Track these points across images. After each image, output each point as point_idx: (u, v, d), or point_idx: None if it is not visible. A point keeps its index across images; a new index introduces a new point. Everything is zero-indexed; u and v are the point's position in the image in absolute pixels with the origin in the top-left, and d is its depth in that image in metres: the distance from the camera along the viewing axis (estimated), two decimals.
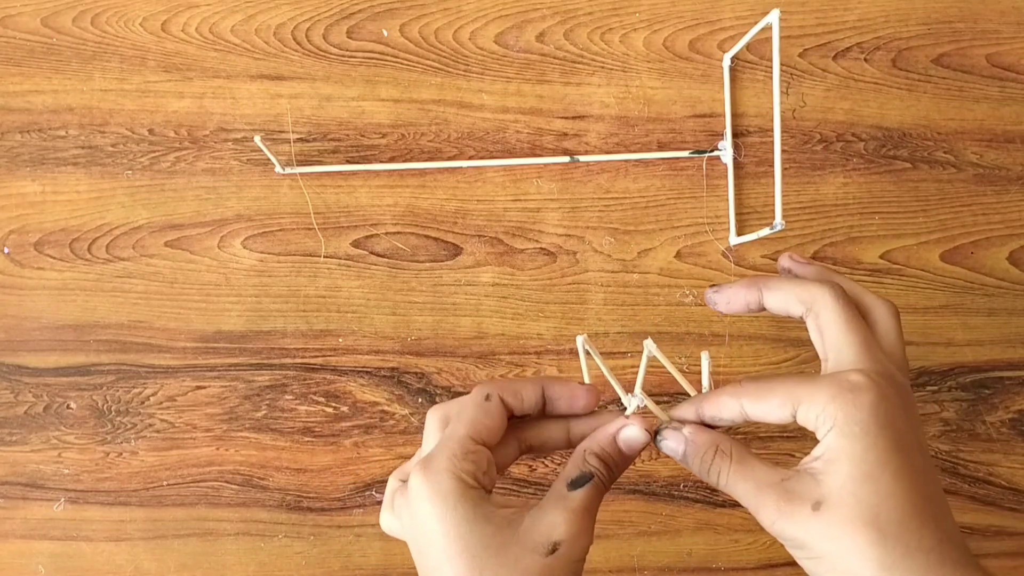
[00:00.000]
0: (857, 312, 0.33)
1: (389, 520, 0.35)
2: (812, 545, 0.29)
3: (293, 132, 0.53)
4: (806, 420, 0.30)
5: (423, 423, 0.52)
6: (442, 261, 0.53)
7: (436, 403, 0.52)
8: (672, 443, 0.34)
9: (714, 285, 0.37)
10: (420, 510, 0.31)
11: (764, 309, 0.36)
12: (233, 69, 0.53)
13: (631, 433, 0.34)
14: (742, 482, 0.32)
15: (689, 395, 0.35)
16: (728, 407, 0.32)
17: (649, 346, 0.34)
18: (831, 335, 0.33)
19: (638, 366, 0.52)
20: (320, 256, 0.53)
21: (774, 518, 0.30)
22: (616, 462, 0.34)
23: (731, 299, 0.36)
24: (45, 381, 0.53)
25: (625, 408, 0.35)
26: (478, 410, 0.33)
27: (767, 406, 0.31)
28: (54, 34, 0.53)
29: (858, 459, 0.29)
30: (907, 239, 0.53)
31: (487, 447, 0.33)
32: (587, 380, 0.37)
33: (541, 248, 0.53)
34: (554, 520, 0.32)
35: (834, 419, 0.29)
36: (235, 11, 0.53)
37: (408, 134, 0.53)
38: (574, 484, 0.33)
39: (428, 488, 0.31)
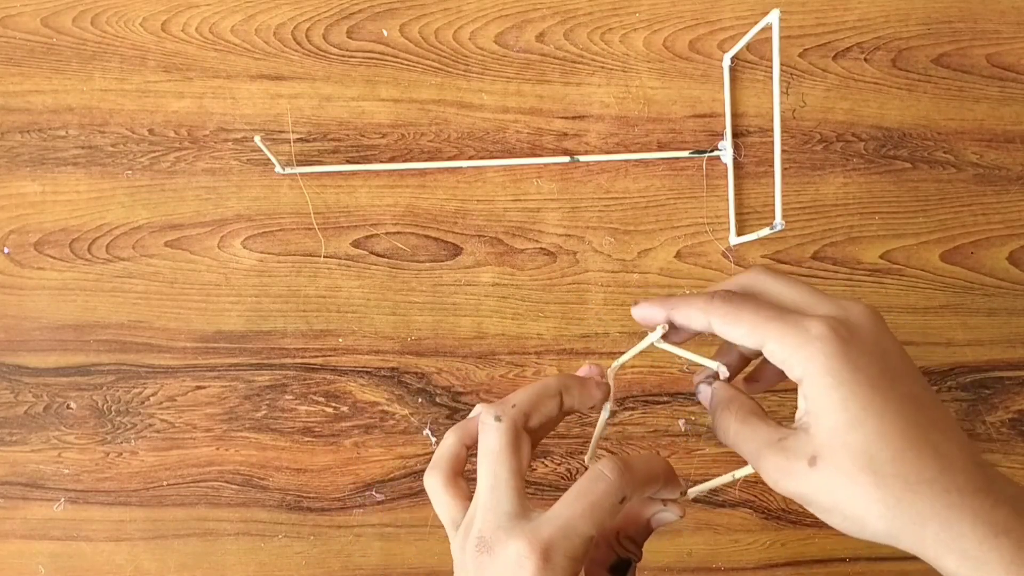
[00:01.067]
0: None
1: (441, 492, 0.33)
2: (816, 499, 0.29)
3: (293, 132, 0.53)
4: (772, 359, 0.31)
5: (423, 423, 0.53)
6: (442, 261, 0.53)
7: (436, 403, 0.53)
8: (703, 396, 0.35)
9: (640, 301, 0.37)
10: None
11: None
12: (233, 69, 0.53)
13: (666, 517, 0.35)
14: (744, 442, 0.32)
15: (710, 369, 0.35)
16: (696, 319, 0.33)
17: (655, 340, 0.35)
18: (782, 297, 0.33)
19: (638, 367, 0.52)
20: (320, 256, 0.53)
21: (776, 478, 0.30)
22: (646, 538, 0.34)
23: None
24: (45, 381, 0.53)
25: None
26: (614, 506, 0.31)
27: (734, 331, 0.31)
28: (54, 34, 0.53)
29: (839, 408, 0.29)
30: (907, 239, 0.54)
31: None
32: (612, 406, 0.36)
33: (541, 248, 0.53)
34: None
35: (804, 370, 0.29)
36: (235, 11, 0.53)
37: (408, 134, 0.53)
38: (616, 571, 0.33)
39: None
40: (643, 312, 0.35)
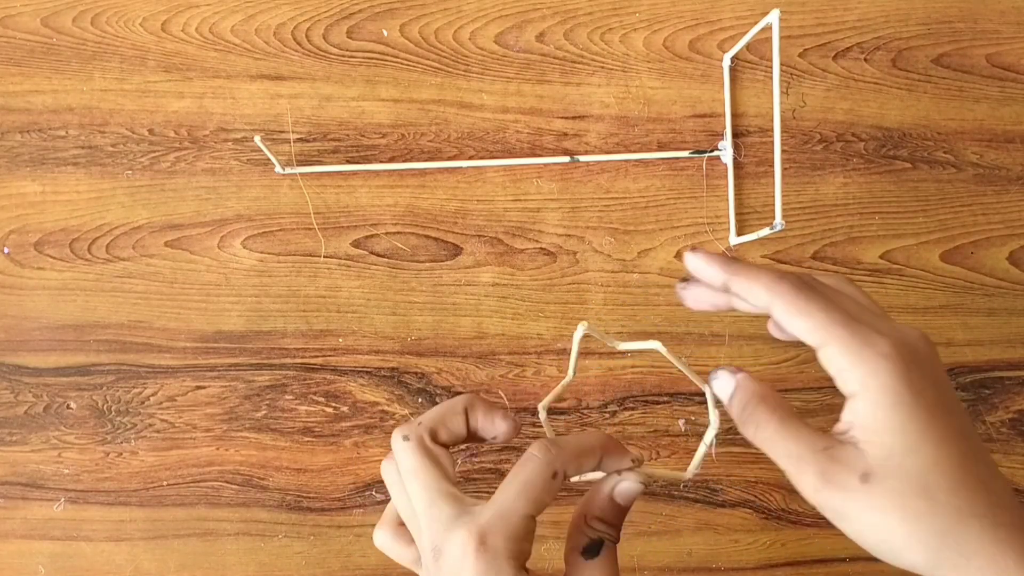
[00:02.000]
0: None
1: (392, 545, 0.35)
2: (859, 517, 0.28)
3: (293, 132, 0.53)
4: (828, 364, 0.30)
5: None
6: (442, 261, 0.53)
7: (436, 403, 0.53)
8: (722, 383, 0.33)
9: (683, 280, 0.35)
10: None
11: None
12: (233, 69, 0.53)
13: (626, 487, 0.34)
14: (783, 442, 0.31)
15: (700, 389, 0.35)
16: (758, 296, 0.31)
17: (658, 347, 0.35)
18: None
19: (638, 366, 0.52)
20: (320, 256, 0.53)
21: (818, 487, 0.29)
22: (618, 516, 0.34)
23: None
24: (45, 381, 0.53)
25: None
26: (546, 482, 0.32)
27: (798, 323, 0.30)
28: (54, 34, 0.53)
29: (898, 430, 0.28)
30: (907, 239, 0.54)
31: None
32: (572, 373, 0.36)
33: (541, 248, 0.54)
34: None
35: (864, 385, 0.29)
36: (235, 11, 0.53)
37: (408, 134, 0.53)
38: (589, 552, 0.33)
39: (481, 569, 0.30)
40: (700, 265, 0.32)
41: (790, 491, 0.53)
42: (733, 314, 0.53)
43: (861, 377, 0.29)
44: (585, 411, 0.53)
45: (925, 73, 0.54)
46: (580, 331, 0.34)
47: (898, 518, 0.27)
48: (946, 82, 0.54)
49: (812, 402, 0.53)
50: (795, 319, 0.30)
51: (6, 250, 0.53)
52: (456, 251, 0.54)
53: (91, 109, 0.53)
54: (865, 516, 0.28)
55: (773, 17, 0.45)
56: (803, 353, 0.53)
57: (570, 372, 0.36)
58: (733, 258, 0.32)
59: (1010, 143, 0.54)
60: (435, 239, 0.53)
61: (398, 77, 0.53)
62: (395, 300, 0.53)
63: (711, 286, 0.33)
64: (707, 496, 0.53)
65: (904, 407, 0.28)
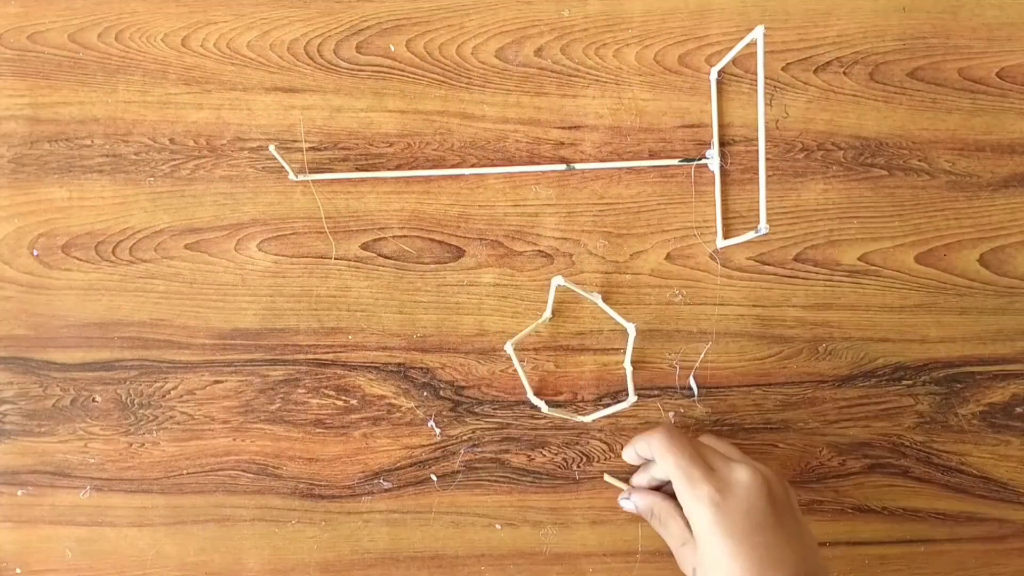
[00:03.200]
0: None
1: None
2: None
3: (305, 141, 0.56)
4: (679, 497, 0.46)
5: (427, 415, 0.55)
6: (446, 263, 0.56)
7: (440, 397, 0.55)
8: (627, 505, 0.53)
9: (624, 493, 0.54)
10: None
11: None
12: (249, 82, 0.56)
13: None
14: (666, 537, 0.49)
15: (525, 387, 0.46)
16: (644, 450, 0.49)
17: (557, 281, 0.49)
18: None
19: (633, 361, 0.55)
20: (331, 258, 0.56)
21: (680, 565, 0.48)
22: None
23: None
24: (72, 376, 0.56)
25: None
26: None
27: (662, 468, 0.47)
28: (80, 49, 0.56)
29: (707, 546, 0.43)
30: (884, 242, 0.56)
31: None
32: (549, 313, 0.51)
33: (539, 250, 0.56)
34: None
35: (689, 515, 0.44)
36: (251, 27, 0.56)
37: (414, 143, 0.56)
38: None
39: None
40: (626, 455, 0.52)
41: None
42: (719, 313, 0.56)
43: (689, 508, 0.44)
44: (580, 404, 0.56)
45: (901, 86, 0.56)
46: (556, 283, 0.49)
47: None
48: (920, 94, 0.57)
49: (794, 396, 0.56)
50: (660, 462, 0.47)
51: (35, 252, 0.56)
52: (459, 253, 0.56)
53: (115, 120, 0.56)
54: None
55: (758, 33, 0.47)
56: (786, 349, 0.56)
57: (547, 312, 0.49)
58: (636, 436, 0.50)
59: (980, 152, 0.57)
60: (439, 242, 0.56)
61: (404, 89, 0.56)
62: (401, 299, 0.56)
63: (635, 464, 0.53)
64: None
65: (711, 532, 0.43)
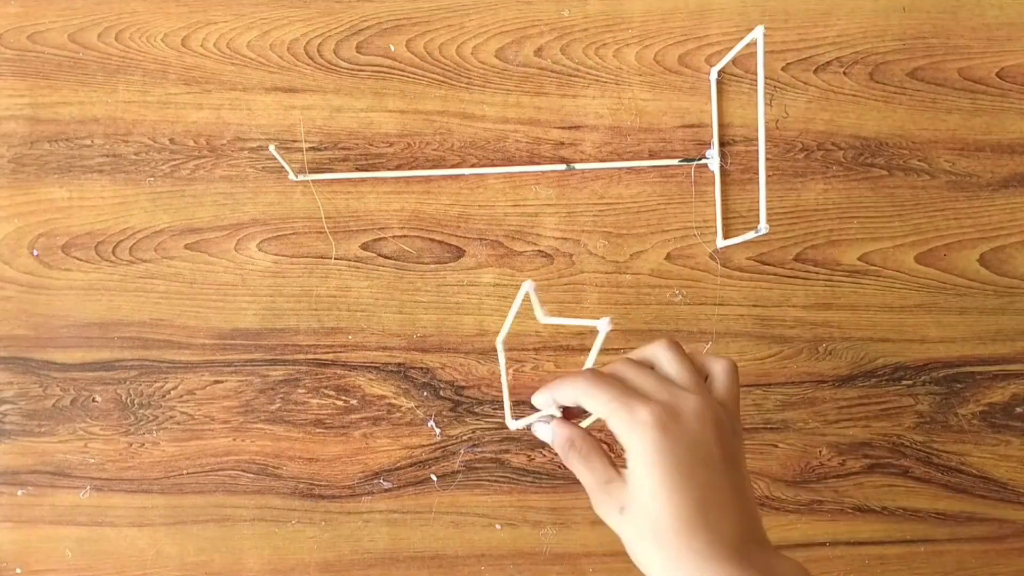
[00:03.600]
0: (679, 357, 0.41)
1: None
2: (622, 538, 0.38)
3: (305, 141, 0.56)
4: (612, 429, 0.39)
5: (427, 415, 0.56)
6: (446, 263, 0.56)
7: (440, 396, 0.56)
8: (543, 430, 0.44)
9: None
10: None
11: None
12: (249, 82, 0.56)
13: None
14: (583, 474, 0.41)
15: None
16: (568, 395, 0.40)
17: (527, 287, 0.41)
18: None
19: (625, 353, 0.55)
20: (331, 258, 0.56)
21: (597, 510, 0.39)
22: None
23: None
24: (72, 376, 0.56)
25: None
26: None
27: (590, 404, 0.39)
28: (81, 49, 0.56)
29: (645, 479, 0.37)
30: (884, 242, 0.56)
31: None
32: (512, 316, 0.43)
33: (539, 250, 0.56)
34: None
35: (627, 444, 0.38)
36: (251, 27, 0.56)
37: (414, 143, 0.56)
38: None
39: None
40: (537, 399, 0.43)
41: (773, 479, 0.56)
42: (719, 314, 0.56)
43: (626, 439, 0.38)
44: None
45: (901, 86, 0.57)
46: (526, 287, 0.42)
47: (640, 547, 0.37)
48: (920, 94, 0.57)
49: (794, 396, 0.56)
50: (589, 401, 0.39)
51: (35, 252, 0.56)
52: (459, 253, 0.56)
53: (115, 120, 0.56)
54: (623, 538, 0.38)
55: (758, 33, 0.47)
56: (786, 349, 0.56)
57: (511, 314, 0.43)
58: (554, 379, 0.42)
59: (980, 152, 0.57)
60: (439, 242, 0.56)
61: (404, 89, 0.56)
62: (401, 299, 0.56)
63: (549, 409, 0.42)
64: None
65: (654, 464, 0.37)
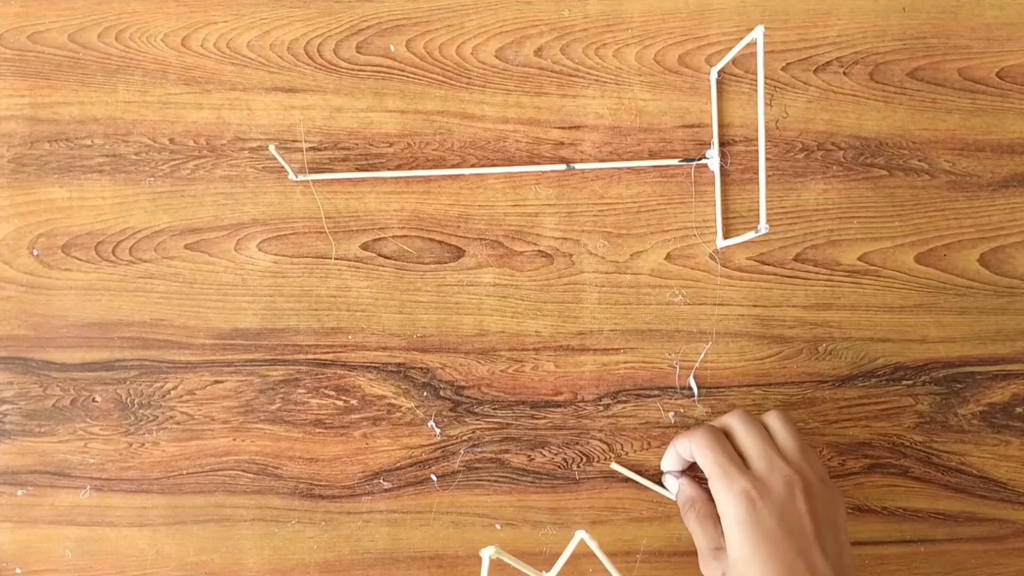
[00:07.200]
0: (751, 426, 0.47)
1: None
2: None
3: (305, 141, 0.56)
4: (711, 490, 0.45)
5: (427, 415, 0.56)
6: (446, 263, 0.56)
7: (440, 397, 0.56)
8: (670, 483, 0.52)
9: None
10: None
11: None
12: (249, 82, 0.56)
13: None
14: (697, 535, 0.48)
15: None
16: (685, 449, 0.48)
17: (582, 535, 0.40)
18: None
19: (630, 362, 0.55)
20: (331, 258, 0.56)
21: (703, 570, 0.47)
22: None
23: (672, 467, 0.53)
24: (72, 376, 0.56)
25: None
26: None
27: (699, 461, 0.47)
28: (80, 49, 0.56)
29: (737, 548, 0.42)
30: (883, 242, 0.56)
31: None
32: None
33: (539, 251, 0.56)
34: None
35: (723, 512, 0.43)
36: (251, 27, 0.56)
37: (414, 143, 0.56)
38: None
39: None
40: (666, 458, 0.52)
41: None
42: (719, 314, 0.56)
43: (722, 507, 0.43)
44: (580, 404, 0.56)
45: (901, 86, 0.57)
46: (487, 555, 0.36)
47: None
48: (920, 94, 0.57)
49: (794, 396, 0.56)
50: (699, 459, 0.46)
51: (35, 252, 0.56)
52: (459, 253, 0.56)
53: (115, 120, 0.56)
54: None
55: (758, 33, 0.47)
56: (785, 349, 0.56)
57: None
58: (679, 435, 0.50)
59: (980, 152, 0.57)
60: (439, 242, 0.56)
61: (404, 89, 0.56)
62: (401, 299, 0.56)
63: (675, 464, 0.52)
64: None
65: (746, 534, 0.41)
